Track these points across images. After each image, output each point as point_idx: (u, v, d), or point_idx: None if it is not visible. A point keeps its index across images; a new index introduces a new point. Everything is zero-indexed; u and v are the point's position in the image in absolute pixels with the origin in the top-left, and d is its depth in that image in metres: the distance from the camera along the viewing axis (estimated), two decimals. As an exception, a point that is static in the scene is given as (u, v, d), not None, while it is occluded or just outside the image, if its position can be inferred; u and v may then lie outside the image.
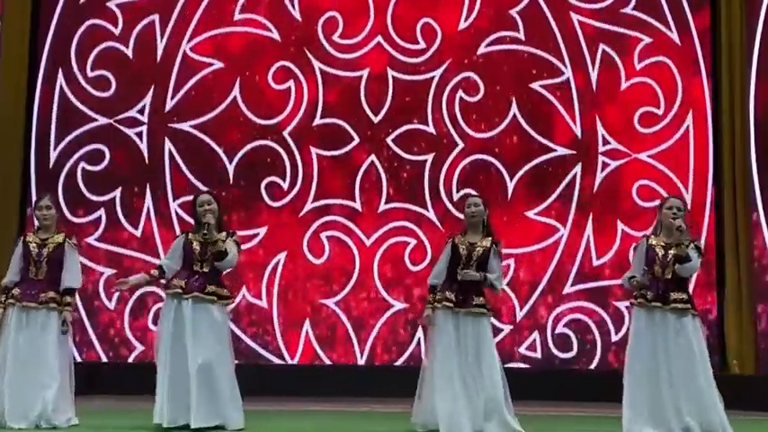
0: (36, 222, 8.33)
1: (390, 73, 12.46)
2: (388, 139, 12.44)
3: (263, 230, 12.35)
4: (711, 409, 7.42)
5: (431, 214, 12.35)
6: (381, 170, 12.41)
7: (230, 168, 12.35)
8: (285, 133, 12.42)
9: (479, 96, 12.45)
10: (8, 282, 8.15)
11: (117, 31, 12.44)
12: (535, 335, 12.12)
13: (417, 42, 12.50)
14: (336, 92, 12.48)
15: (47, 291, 8.03)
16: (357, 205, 12.39)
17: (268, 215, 12.35)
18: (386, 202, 12.38)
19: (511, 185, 12.36)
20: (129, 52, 12.45)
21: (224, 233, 8.14)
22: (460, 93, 12.44)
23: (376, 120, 12.45)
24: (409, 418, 8.13)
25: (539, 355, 12.07)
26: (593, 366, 11.99)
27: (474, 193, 9.10)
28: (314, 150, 12.43)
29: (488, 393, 7.72)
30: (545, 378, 11.73)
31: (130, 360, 12.14)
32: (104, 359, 12.11)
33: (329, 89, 12.46)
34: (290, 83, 12.45)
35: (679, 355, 7.46)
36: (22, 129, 12.33)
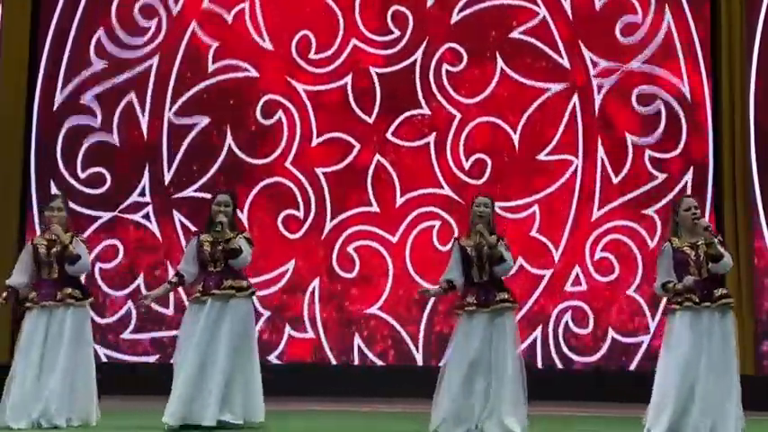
0: (44, 222, 8.46)
1: (373, 70, 12.28)
2: (389, 135, 12.22)
3: (291, 265, 12.05)
4: (737, 414, 7.67)
5: (447, 191, 12.11)
6: (389, 166, 12.18)
7: (244, 218, 12.04)
8: (288, 164, 12.21)
9: (464, 63, 12.23)
10: (13, 282, 8.35)
11: (97, 123, 12.38)
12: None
13: (391, 32, 12.33)
14: (326, 106, 12.30)
15: (63, 288, 8.21)
16: (374, 208, 12.14)
17: (290, 248, 12.14)
18: (401, 195, 12.14)
19: (516, 137, 12.12)
20: (116, 140, 12.36)
21: (235, 232, 8.31)
22: (445, 66, 12.23)
23: (371, 120, 12.25)
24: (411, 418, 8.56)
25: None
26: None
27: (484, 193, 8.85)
28: (319, 171, 12.22)
29: (495, 391, 7.77)
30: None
31: (129, 360, 11.94)
32: (104, 359, 11.76)
33: (318, 106, 12.29)
34: (280, 113, 12.27)
35: (718, 356, 7.58)
36: (22, 129, 12.27)
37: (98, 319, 11.65)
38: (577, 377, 11.71)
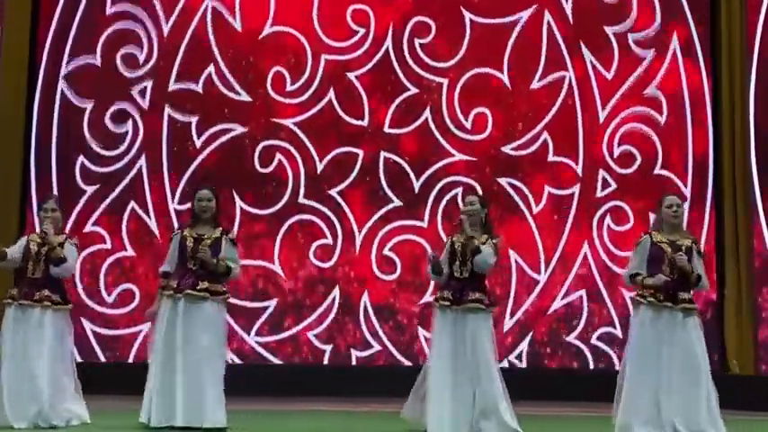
0: (39, 223, 8.39)
1: (350, 75, 12.06)
2: (386, 129, 12.02)
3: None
4: (707, 409, 7.56)
5: (459, 156, 11.99)
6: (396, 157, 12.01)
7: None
8: (301, 199, 11.94)
9: (433, 31, 12.07)
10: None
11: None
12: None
13: (355, 32, 12.14)
14: (318, 129, 12.08)
15: (41, 289, 8.09)
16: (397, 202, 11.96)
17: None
18: (416, 180, 12.00)
19: (505, 78, 11.99)
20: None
21: (219, 229, 8.15)
22: (417, 41, 12.05)
23: (365, 122, 12.06)
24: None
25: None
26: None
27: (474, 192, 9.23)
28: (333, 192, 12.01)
29: (485, 392, 7.71)
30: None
31: (129, 360, 11.74)
32: (103, 359, 11.67)
33: (311, 133, 12.07)
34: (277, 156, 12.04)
35: (682, 353, 7.59)
36: (22, 129, 12.09)
37: (99, 308, 11.76)
38: (577, 377, 11.60)
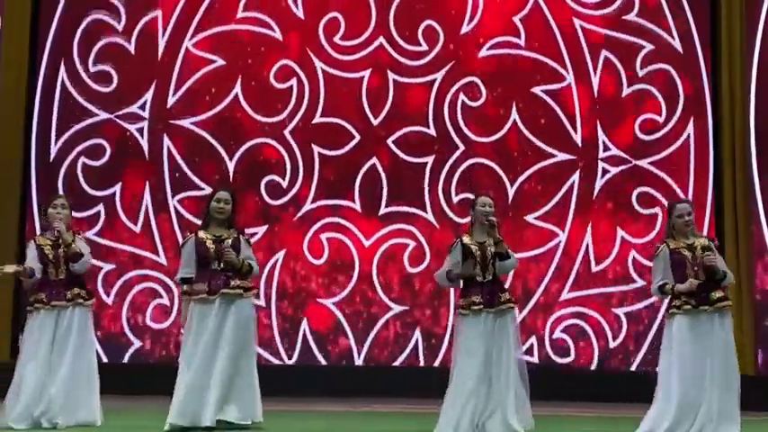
0: (46, 221, 8.50)
1: (391, 76, 12.43)
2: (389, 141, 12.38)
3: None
4: (734, 409, 7.75)
5: (429, 215, 12.30)
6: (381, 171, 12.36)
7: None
8: (286, 132, 12.27)
9: (481, 101, 12.38)
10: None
11: (120, 26, 12.30)
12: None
13: (419, 44, 12.47)
14: (339, 94, 12.42)
15: (71, 288, 8.32)
16: (357, 206, 12.33)
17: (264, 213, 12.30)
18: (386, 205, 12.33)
19: (512, 191, 12.30)
20: (132, 48, 12.30)
21: (233, 230, 8.32)
22: (462, 96, 12.39)
23: (375, 122, 12.41)
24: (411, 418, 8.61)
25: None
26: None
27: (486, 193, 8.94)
28: (315, 148, 12.37)
29: (498, 390, 7.78)
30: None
31: (128, 360, 11.94)
32: (105, 359, 11.67)
33: (331, 91, 12.41)
34: (293, 81, 12.35)
35: (723, 359, 7.69)
36: (22, 129, 12.16)
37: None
38: (577, 377, 11.83)
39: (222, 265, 8.07)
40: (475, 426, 7.74)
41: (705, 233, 11.33)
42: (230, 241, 8.13)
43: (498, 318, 7.91)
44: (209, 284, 8.02)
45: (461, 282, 8.13)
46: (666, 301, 8.17)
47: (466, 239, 8.10)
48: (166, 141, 12.14)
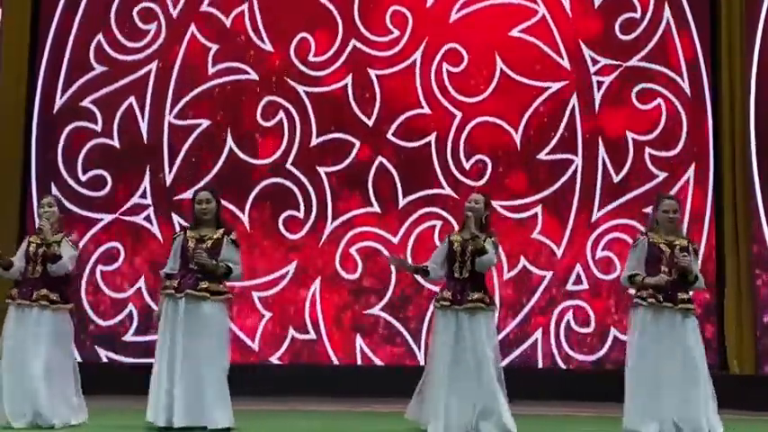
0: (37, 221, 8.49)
1: (372, 72, 12.27)
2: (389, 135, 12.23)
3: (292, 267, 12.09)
4: (706, 410, 7.61)
5: (448, 191, 12.12)
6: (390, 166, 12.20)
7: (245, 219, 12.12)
8: (288, 165, 12.20)
9: (464, 63, 12.22)
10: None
11: (99, 127, 12.33)
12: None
13: (391, 32, 12.31)
14: (326, 108, 12.29)
15: (40, 289, 8.13)
16: (375, 208, 12.16)
17: (288, 248, 12.18)
18: (403, 197, 12.16)
19: (518, 137, 12.14)
20: (116, 142, 12.32)
21: (221, 230, 8.17)
22: (446, 66, 12.22)
23: (371, 122, 12.24)
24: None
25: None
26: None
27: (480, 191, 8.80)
28: (321, 170, 12.20)
29: (484, 391, 7.72)
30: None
31: (128, 360, 11.92)
32: (104, 359, 11.84)
33: (318, 108, 12.26)
34: (280, 114, 12.26)
35: (682, 354, 7.63)
36: (22, 129, 12.23)
37: (99, 321, 11.92)
38: (578, 377, 11.72)
39: (197, 266, 7.95)
40: (469, 427, 7.70)
41: (705, 234, 11.88)
42: (210, 242, 8.02)
43: (469, 316, 7.81)
44: (180, 282, 7.94)
45: (438, 274, 8.13)
46: (633, 291, 8.08)
47: (453, 236, 8.10)
48: (176, 218, 12.07)
